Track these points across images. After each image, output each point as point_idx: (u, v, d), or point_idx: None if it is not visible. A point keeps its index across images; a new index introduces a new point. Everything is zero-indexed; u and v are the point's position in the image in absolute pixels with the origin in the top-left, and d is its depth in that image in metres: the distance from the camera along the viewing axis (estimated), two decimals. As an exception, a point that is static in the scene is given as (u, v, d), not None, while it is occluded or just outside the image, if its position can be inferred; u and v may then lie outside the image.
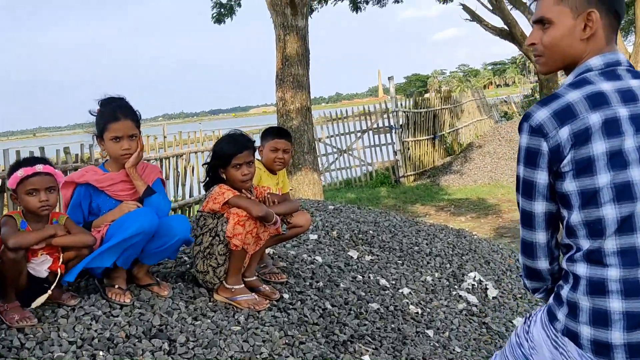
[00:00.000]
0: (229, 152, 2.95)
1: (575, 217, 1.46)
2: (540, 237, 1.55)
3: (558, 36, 1.55)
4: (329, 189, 12.58)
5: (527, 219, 1.55)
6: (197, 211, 3.12)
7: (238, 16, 12.97)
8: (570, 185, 1.45)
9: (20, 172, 2.49)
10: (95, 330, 2.44)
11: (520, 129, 1.53)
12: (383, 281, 4.03)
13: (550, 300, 1.58)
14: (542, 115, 1.46)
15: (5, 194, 4.77)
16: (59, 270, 2.52)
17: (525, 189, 1.53)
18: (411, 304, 3.83)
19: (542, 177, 1.49)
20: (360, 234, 4.89)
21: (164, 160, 6.92)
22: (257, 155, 3.78)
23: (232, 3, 12.81)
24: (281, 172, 3.68)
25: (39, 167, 2.50)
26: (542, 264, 1.58)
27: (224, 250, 2.90)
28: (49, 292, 2.49)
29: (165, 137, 7.24)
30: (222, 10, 12.79)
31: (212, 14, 12.83)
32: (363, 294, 3.71)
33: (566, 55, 1.56)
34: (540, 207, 1.52)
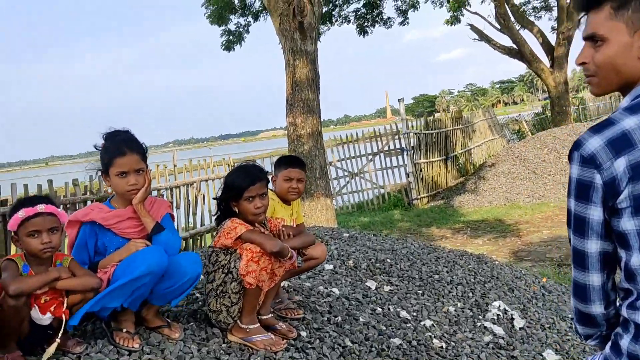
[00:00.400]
0: (241, 185, 2.81)
1: (636, 259, 1.29)
2: (595, 279, 1.38)
3: (612, 54, 1.39)
4: (340, 213, 12.41)
5: (580, 258, 1.38)
6: (209, 246, 2.97)
7: (247, 42, 13.04)
8: (628, 224, 1.28)
9: (21, 213, 2.35)
10: (102, 380, 2.28)
11: (570, 158, 1.37)
12: (404, 313, 3.84)
13: (607, 350, 1.40)
14: (594, 144, 1.31)
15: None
16: (63, 316, 2.37)
17: (577, 225, 1.36)
18: (435, 337, 3.63)
19: (595, 214, 1.33)
20: (378, 263, 4.71)
21: (174, 189, 6.80)
22: (270, 185, 3.65)
23: (241, 30, 12.88)
24: (295, 202, 3.54)
25: (41, 207, 2.36)
26: (597, 308, 1.41)
27: (238, 288, 2.74)
28: (58, 340, 2.34)
29: (175, 165, 7.13)
30: (231, 37, 12.87)
31: (222, 42, 12.91)
32: (384, 328, 3.52)
33: (621, 75, 1.40)
34: (594, 246, 1.35)
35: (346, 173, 13.03)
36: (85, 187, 5.64)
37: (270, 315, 3.02)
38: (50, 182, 5.54)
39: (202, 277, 2.86)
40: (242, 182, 2.81)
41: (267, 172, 3.00)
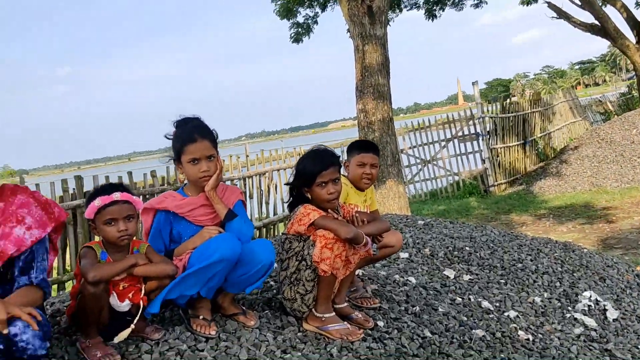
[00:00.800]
0: (313, 170, 2.73)
1: None
2: None
3: None
4: (413, 201, 12.15)
5: None
6: (282, 233, 2.92)
7: (315, 34, 12.98)
8: None
9: (98, 202, 2.38)
10: (180, 367, 2.27)
11: None
12: (486, 303, 3.64)
13: None
14: None
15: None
16: (141, 303, 2.39)
17: None
18: (520, 329, 3.42)
19: None
20: (456, 251, 4.52)
21: (247, 179, 6.86)
22: (342, 171, 3.54)
23: (309, 22, 12.83)
24: (369, 188, 3.42)
25: (117, 195, 2.38)
26: None
27: (312, 276, 2.66)
28: (132, 326, 2.36)
29: (247, 156, 7.19)
30: (299, 30, 12.85)
31: (290, 35, 12.91)
32: (465, 318, 3.35)
33: None
34: None
35: (418, 160, 12.73)
36: (162, 179, 5.78)
37: (345, 304, 2.93)
38: (130, 174, 5.72)
39: (275, 265, 2.81)
40: (314, 167, 2.73)
41: (339, 156, 2.89)
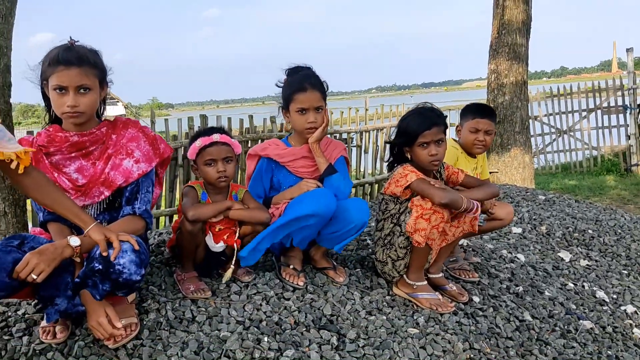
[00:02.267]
0: (415, 129, 2.57)
1: None
2: None
3: None
4: (542, 173, 11.35)
5: None
6: (379, 193, 2.83)
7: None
8: None
9: (199, 142, 2.46)
10: (265, 312, 2.33)
11: None
12: (601, 293, 3.33)
13: None
14: None
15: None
16: (235, 245, 2.47)
17: None
18: (636, 326, 3.09)
19: None
20: (576, 233, 4.16)
21: (363, 134, 6.78)
22: (454, 134, 3.34)
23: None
24: (481, 155, 3.21)
25: (216, 137, 2.45)
26: None
27: (405, 243, 2.57)
28: (232, 266, 2.46)
29: (367, 109, 7.09)
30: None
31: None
32: (573, 306, 3.09)
33: None
34: None
35: (553, 130, 11.79)
36: (281, 125, 5.89)
37: (441, 274, 2.81)
38: (250, 117, 5.89)
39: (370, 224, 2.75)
40: (416, 126, 2.58)
41: (446, 116, 2.70)
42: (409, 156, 2.65)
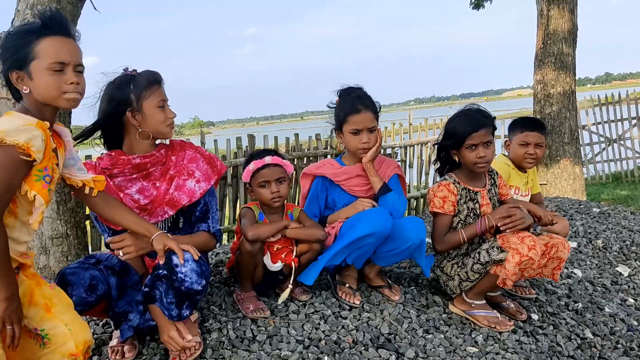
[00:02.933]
0: (463, 131, 2.56)
1: None
2: None
3: None
4: (592, 183, 11.05)
5: None
6: (428, 208, 2.82)
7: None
8: None
9: (252, 166, 2.53)
10: (323, 331, 2.35)
11: None
12: (663, 309, 3.22)
13: None
14: None
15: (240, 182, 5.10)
16: (292, 264, 2.50)
17: None
18: (703, 343, 2.97)
19: None
20: (634, 246, 4.03)
21: (408, 148, 6.77)
22: (503, 150, 3.32)
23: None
24: (531, 170, 3.17)
25: (268, 159, 2.51)
26: None
27: (480, 270, 2.54)
28: (290, 286, 2.50)
29: (410, 123, 7.08)
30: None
31: (471, 0, 12.19)
32: (635, 323, 3.00)
33: None
34: None
35: (602, 139, 11.46)
36: (326, 142, 5.94)
37: (498, 292, 2.78)
38: (296, 135, 5.98)
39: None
40: (464, 128, 2.56)
41: (494, 117, 2.67)
42: (457, 159, 2.64)
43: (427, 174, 6.87)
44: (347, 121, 2.66)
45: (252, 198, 2.64)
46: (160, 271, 1.98)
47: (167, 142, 2.40)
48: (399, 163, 6.72)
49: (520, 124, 3.10)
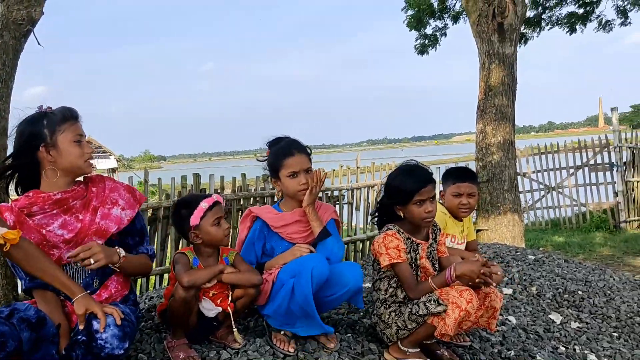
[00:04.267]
0: (410, 188, 2.60)
1: None
2: None
3: None
4: (532, 229, 11.44)
5: None
6: (370, 252, 2.85)
7: (446, 43, 12.63)
8: None
9: (204, 204, 2.49)
10: (255, 380, 2.31)
11: None
12: (592, 357, 3.33)
13: None
14: None
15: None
16: (229, 309, 2.47)
17: None
18: (629, 391, 3.08)
19: None
20: (566, 294, 4.17)
21: (355, 191, 6.86)
22: (438, 198, 3.41)
23: (437, 34, 12.52)
24: (466, 218, 3.26)
25: (216, 196, 2.52)
26: None
27: (418, 320, 2.56)
28: (235, 329, 2.48)
29: (358, 167, 7.20)
30: (426, 41, 12.57)
31: (415, 46, 12.68)
32: (565, 371, 3.08)
33: None
34: None
35: (542, 186, 11.95)
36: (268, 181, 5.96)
37: (433, 340, 2.81)
38: (243, 175, 5.97)
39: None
40: (411, 184, 2.61)
41: (432, 173, 2.76)
42: (402, 214, 2.67)
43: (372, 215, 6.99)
44: (283, 165, 2.69)
45: (195, 242, 2.55)
46: (79, 337, 1.91)
47: (82, 177, 2.40)
48: (346, 205, 6.83)
49: (452, 175, 3.21)
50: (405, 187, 2.63)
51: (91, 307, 1.93)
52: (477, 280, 2.49)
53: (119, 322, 1.93)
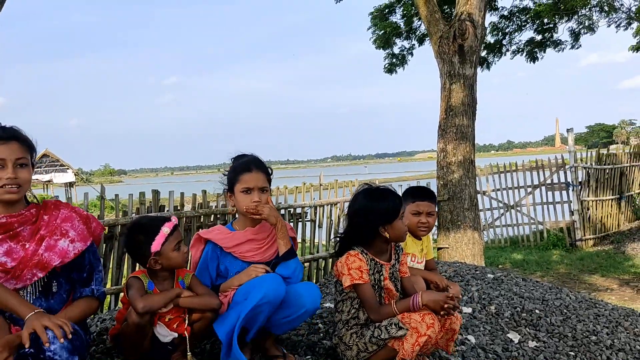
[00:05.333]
0: (397, 207, 2.65)
1: None
2: None
3: None
4: (491, 247, 11.63)
5: None
6: (332, 272, 2.83)
7: (409, 64, 12.85)
8: None
9: (166, 229, 2.40)
10: (211, 407, 2.23)
11: None
12: (549, 377, 3.36)
13: None
14: None
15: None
16: (185, 333, 2.39)
17: None
18: (584, 411, 3.11)
19: None
20: (524, 313, 4.22)
21: (318, 208, 6.84)
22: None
23: (405, 53, 12.72)
24: (425, 237, 3.28)
25: (174, 219, 2.44)
26: None
27: (380, 343, 2.53)
28: (189, 354, 2.38)
29: (321, 185, 7.19)
30: (394, 60, 12.77)
31: (384, 65, 12.84)
32: (523, 391, 3.10)
33: None
34: None
35: (501, 204, 12.20)
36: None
37: None
38: (204, 192, 5.89)
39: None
40: (396, 203, 2.66)
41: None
42: (387, 235, 2.64)
43: (336, 234, 6.96)
44: (239, 180, 2.65)
45: (153, 267, 2.43)
46: (27, 350, 1.81)
47: (40, 201, 2.29)
48: (309, 222, 6.80)
49: (411, 194, 3.22)
50: (395, 206, 2.65)
51: (45, 323, 1.83)
52: (441, 312, 2.49)
53: (69, 335, 1.85)
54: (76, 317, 2.15)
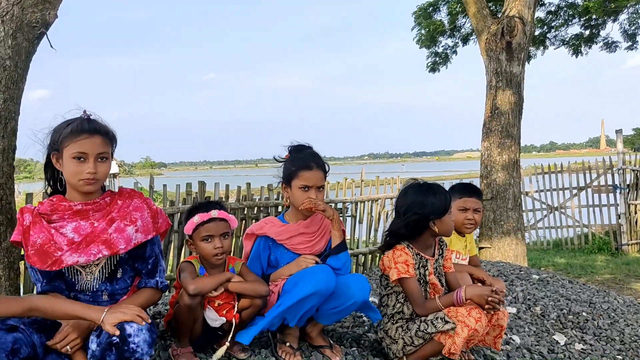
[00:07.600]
0: (446, 203, 2.69)
1: None
2: None
3: None
4: (534, 249, 11.38)
5: None
6: (376, 267, 2.86)
7: (451, 63, 12.70)
8: None
9: (197, 219, 2.46)
10: (259, 391, 2.29)
11: None
12: (597, 380, 3.29)
13: None
14: None
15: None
16: (233, 320, 2.44)
17: None
18: (632, 416, 3.04)
19: None
20: (571, 315, 4.14)
21: (359, 204, 6.84)
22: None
23: (448, 52, 12.55)
24: (469, 234, 3.26)
25: (214, 213, 2.47)
26: None
27: (425, 337, 2.55)
28: (227, 343, 2.42)
29: (362, 180, 7.18)
30: (437, 59, 12.61)
31: (427, 64, 12.69)
32: (569, 393, 3.05)
33: None
34: None
35: (544, 206, 11.93)
36: (278, 194, 5.94)
37: (439, 357, 2.78)
38: (248, 184, 5.96)
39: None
40: (447, 198, 2.70)
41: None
42: (436, 229, 2.66)
43: (376, 230, 6.95)
44: (298, 176, 2.67)
45: (193, 251, 2.55)
46: (114, 338, 1.86)
47: (117, 189, 2.36)
48: (350, 218, 6.81)
49: (458, 190, 3.20)
50: (446, 201, 2.68)
51: (123, 317, 1.88)
52: (486, 306, 2.48)
53: (148, 320, 1.93)
54: (139, 306, 2.18)
